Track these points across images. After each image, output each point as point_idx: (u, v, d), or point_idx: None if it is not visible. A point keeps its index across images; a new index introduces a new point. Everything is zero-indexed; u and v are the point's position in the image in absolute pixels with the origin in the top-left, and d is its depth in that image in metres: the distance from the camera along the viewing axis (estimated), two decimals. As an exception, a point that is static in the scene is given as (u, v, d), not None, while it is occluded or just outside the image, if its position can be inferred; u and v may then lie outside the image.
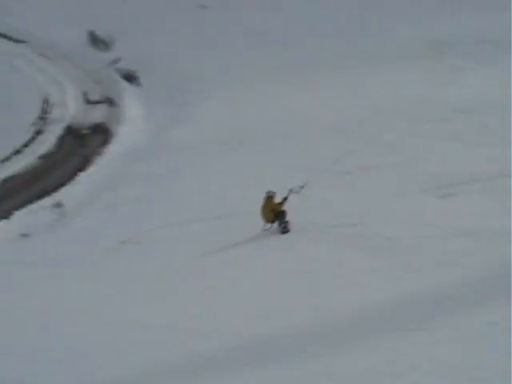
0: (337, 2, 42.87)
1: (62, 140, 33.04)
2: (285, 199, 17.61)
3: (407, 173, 20.31)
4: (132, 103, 36.52)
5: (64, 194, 27.81)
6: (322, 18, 42.43)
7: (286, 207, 17.42)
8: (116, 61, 42.44)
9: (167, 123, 33.47)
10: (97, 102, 37.41)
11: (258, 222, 18.02)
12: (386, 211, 17.72)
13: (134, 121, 34.54)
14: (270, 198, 17.49)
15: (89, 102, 37.51)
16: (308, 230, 17.55)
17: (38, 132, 34.06)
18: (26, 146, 32.59)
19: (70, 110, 36.22)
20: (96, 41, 44.33)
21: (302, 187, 18.03)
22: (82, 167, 30.10)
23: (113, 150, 31.36)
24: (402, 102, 28.15)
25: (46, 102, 37.42)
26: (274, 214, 17.48)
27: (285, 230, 17.61)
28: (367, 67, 34.22)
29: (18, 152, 31.99)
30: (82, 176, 29.19)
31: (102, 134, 33.56)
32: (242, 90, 35.45)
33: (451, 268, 13.29)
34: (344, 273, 14.46)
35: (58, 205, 26.94)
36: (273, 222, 17.60)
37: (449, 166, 19.83)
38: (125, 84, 39.21)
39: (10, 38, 45.65)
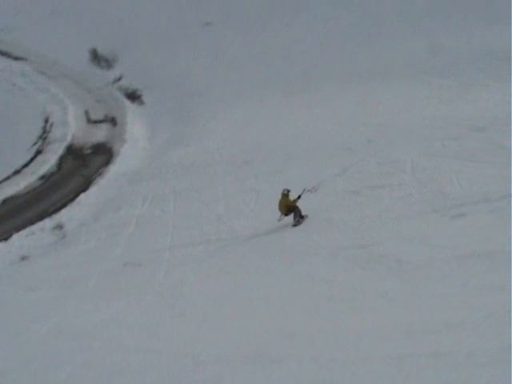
0: (345, 17, 43.16)
1: (63, 160, 33.18)
2: (299, 197, 20.18)
3: (417, 192, 20.27)
4: (135, 122, 36.71)
5: (64, 215, 27.91)
6: (330, 32, 42.73)
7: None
8: (118, 79, 42.70)
9: (171, 142, 33.56)
10: (99, 121, 37.63)
11: (265, 246, 18.21)
12: (397, 232, 17.69)
13: (136, 140, 34.70)
14: (285, 195, 19.97)
15: (91, 121, 37.73)
16: (317, 253, 17.59)
17: (39, 152, 34.24)
18: (26, 165, 32.76)
19: (72, 129, 36.43)
20: (98, 59, 44.64)
21: (317, 187, 20.94)
22: (83, 188, 30.23)
23: (115, 171, 31.47)
24: (412, 119, 28.21)
25: (47, 121, 37.66)
26: (288, 208, 20.01)
27: (297, 223, 19.96)
28: (377, 83, 34.36)
29: (18, 172, 32.15)
30: (83, 197, 29.31)
31: (103, 153, 33.70)
32: (249, 107, 35.59)
33: (462, 291, 13.26)
34: (355, 296, 14.44)
35: (59, 226, 27.04)
36: (286, 214, 20.09)
37: (460, 185, 19.77)
38: (127, 103, 39.43)
39: (10, 56, 46.02)
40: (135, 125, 36.57)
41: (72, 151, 34.19)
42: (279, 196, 20.08)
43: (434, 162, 22.50)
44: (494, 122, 25.13)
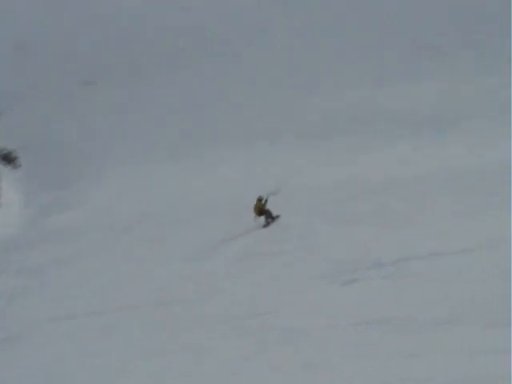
0: (235, 76, 43.90)
1: None
2: (266, 201, 25.43)
3: (309, 259, 20.31)
4: (9, 186, 35.64)
5: None
6: (220, 92, 43.33)
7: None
8: (-7, 140, 41.60)
9: (49, 207, 32.71)
10: (-31, 186, 36.33)
11: (152, 316, 17.71)
12: (289, 300, 17.57)
13: (10, 205, 33.64)
14: (259, 200, 25.46)
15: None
16: (206, 322, 17.25)
17: None
18: None
19: None
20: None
21: (279, 190, 25.83)
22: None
23: (-15, 238, 30.30)
24: (302, 186, 28.57)
25: None
26: (260, 211, 25.34)
27: (266, 225, 25.09)
28: (267, 145, 34.98)
29: None
30: None
31: (-26, 220, 32.44)
32: (133, 170, 35.28)
33: (359, 361, 13.19)
34: (245, 368, 14.10)
35: None
36: (260, 215, 25.28)
37: (352, 250, 19.97)
38: (0, 166, 38.35)
39: None
40: (9, 189, 35.50)
41: None
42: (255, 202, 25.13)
43: (325, 227, 22.72)
44: (383, 184, 25.81)
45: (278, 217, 25.14)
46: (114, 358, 16.37)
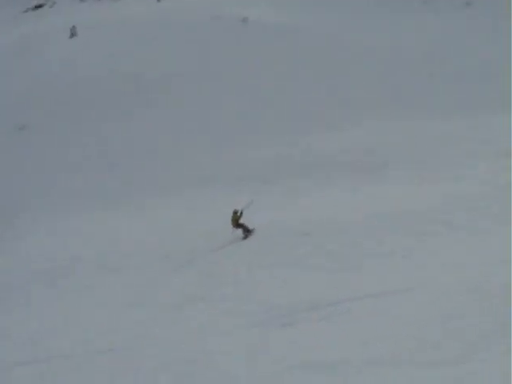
0: (167, 123, 43.99)
1: None
2: (241, 214, 27.15)
3: (242, 304, 20.17)
4: None
5: None
6: (150, 138, 43.36)
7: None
8: None
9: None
10: None
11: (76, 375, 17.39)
12: (222, 347, 17.35)
13: None
14: (235, 213, 27.16)
15: None
16: (137, 369, 16.91)
17: None
18: None
19: None
20: None
21: (250, 204, 27.54)
22: None
23: None
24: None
25: None
26: (236, 224, 27.07)
27: (245, 237, 26.91)
28: (202, 189, 35.03)
29: None
30: None
31: None
32: (65, 218, 34.90)
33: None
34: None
35: None
36: (237, 228, 27.09)
37: (287, 294, 19.92)
38: None
39: None
40: None
41: None
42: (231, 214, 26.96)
43: (258, 271, 22.68)
44: (319, 226, 25.98)
45: (253, 230, 27.04)
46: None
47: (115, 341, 19.44)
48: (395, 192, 29.58)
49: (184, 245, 27.55)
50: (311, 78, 49.27)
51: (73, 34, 61.21)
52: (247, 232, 27.01)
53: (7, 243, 32.94)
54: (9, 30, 69.83)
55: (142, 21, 61.44)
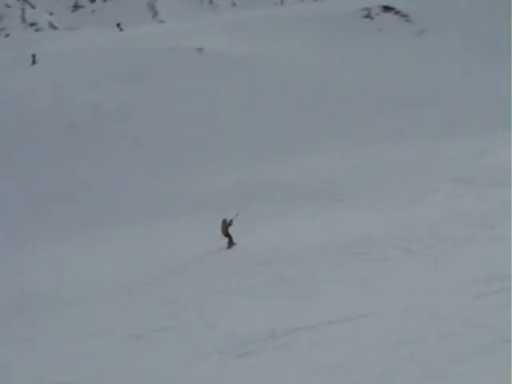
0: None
1: None
2: (229, 224, 28.55)
3: (203, 333, 20.15)
4: None
5: None
6: (106, 167, 43.17)
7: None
8: None
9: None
10: None
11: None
12: (184, 377, 17.30)
13: None
14: (224, 222, 28.61)
15: None
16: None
17: None
18: None
19: None
20: None
21: (237, 215, 28.96)
22: None
23: None
24: (194, 255, 28.56)
25: None
26: (225, 232, 28.57)
27: (229, 246, 28.54)
28: (160, 218, 34.95)
29: None
30: None
31: None
32: (20, 251, 34.54)
33: None
34: None
35: None
36: (225, 236, 28.54)
37: (246, 323, 19.92)
38: None
39: None
40: None
41: None
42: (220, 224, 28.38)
43: (218, 300, 22.65)
44: (277, 254, 26.12)
45: (235, 244, 28.49)
46: None
47: (74, 374, 19.18)
48: (353, 219, 29.87)
49: (142, 275, 27.42)
50: (267, 107, 49.83)
51: (34, 62, 60.81)
52: (232, 244, 28.43)
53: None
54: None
55: (100, 51, 61.51)
